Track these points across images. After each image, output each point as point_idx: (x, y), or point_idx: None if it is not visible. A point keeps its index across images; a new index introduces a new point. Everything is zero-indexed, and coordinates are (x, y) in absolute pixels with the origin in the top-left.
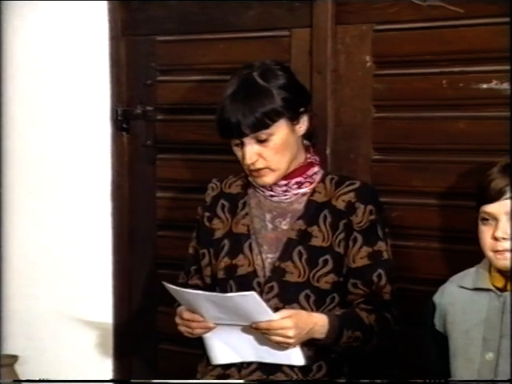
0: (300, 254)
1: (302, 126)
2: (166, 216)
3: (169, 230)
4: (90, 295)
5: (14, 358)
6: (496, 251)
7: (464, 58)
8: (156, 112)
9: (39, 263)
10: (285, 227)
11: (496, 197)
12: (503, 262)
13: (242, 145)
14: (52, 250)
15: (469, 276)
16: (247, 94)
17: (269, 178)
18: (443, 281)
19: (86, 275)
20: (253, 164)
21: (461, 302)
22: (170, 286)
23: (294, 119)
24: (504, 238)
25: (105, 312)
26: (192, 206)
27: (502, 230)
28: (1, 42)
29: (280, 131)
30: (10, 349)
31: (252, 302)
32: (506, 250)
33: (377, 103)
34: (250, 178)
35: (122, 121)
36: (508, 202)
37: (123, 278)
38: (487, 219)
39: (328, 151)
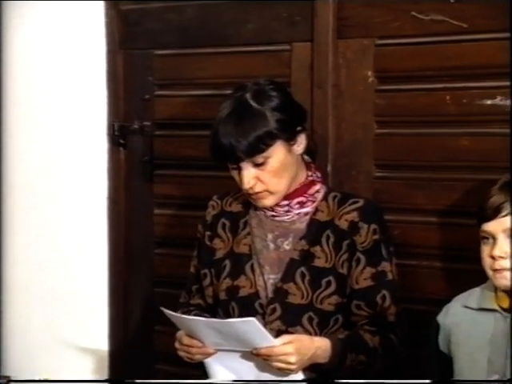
0: (303, 275)
1: (300, 144)
2: (163, 233)
3: (166, 247)
4: (85, 314)
5: (6, 377)
6: (495, 270)
7: (468, 73)
8: (154, 127)
9: (33, 282)
10: (287, 247)
11: (493, 215)
12: (502, 281)
13: (238, 169)
14: (46, 268)
15: (474, 296)
16: (240, 118)
17: (268, 201)
18: (447, 300)
19: (81, 293)
20: (251, 188)
21: (465, 322)
22: (169, 312)
23: (290, 139)
24: (501, 257)
25: (100, 331)
26: (190, 224)
27: (500, 248)
28: (0, 44)
29: (277, 153)
30: (1, 369)
31: (253, 328)
32: (504, 269)
33: (378, 119)
34: (251, 200)
35: (119, 136)
36: (505, 219)
37: (119, 297)
38: (487, 238)
39: (329, 168)
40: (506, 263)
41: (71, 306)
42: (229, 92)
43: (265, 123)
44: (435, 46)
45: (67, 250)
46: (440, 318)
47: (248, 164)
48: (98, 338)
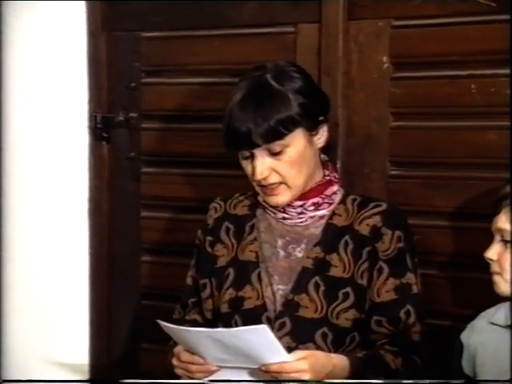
0: (317, 286)
1: (321, 137)
2: (152, 239)
3: (155, 255)
4: (63, 330)
5: None
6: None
7: (496, 58)
8: (141, 119)
9: (9, 293)
10: (299, 255)
11: (491, 212)
12: (495, 287)
13: (251, 158)
14: (21, 277)
15: (501, 311)
16: (259, 99)
17: (283, 197)
18: (471, 316)
19: (59, 305)
20: (264, 179)
21: (492, 340)
22: (165, 324)
23: (312, 129)
24: (490, 259)
25: (80, 350)
26: (183, 228)
27: (491, 249)
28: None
29: (296, 142)
30: None
31: (263, 338)
32: (494, 273)
33: (394, 110)
34: (261, 198)
35: (102, 129)
36: (498, 218)
37: (102, 311)
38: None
39: (338, 165)
40: (495, 267)
41: (47, 321)
42: (244, 73)
43: (287, 106)
44: (460, 28)
45: (42, 259)
46: (464, 338)
47: (263, 152)
48: (78, 357)
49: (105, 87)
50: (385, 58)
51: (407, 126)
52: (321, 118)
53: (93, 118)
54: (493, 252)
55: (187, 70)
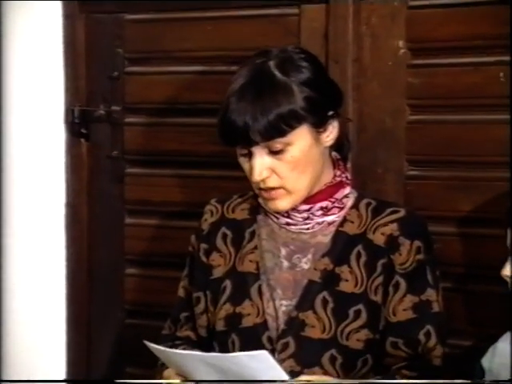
0: (325, 302)
1: (330, 134)
2: (137, 249)
3: (141, 267)
4: (37, 352)
5: None
6: None
7: None
8: (124, 113)
9: None
10: (305, 266)
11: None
12: None
13: (249, 155)
14: None
15: None
16: (259, 90)
17: (283, 203)
18: (494, 336)
19: (33, 324)
20: (263, 181)
21: None
22: (153, 346)
23: (319, 125)
24: (507, 276)
25: (57, 374)
26: (172, 237)
27: (506, 266)
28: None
29: (300, 140)
30: None
31: (264, 364)
32: None
33: (412, 102)
34: (261, 200)
35: (80, 124)
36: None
37: (80, 330)
38: None
39: (348, 165)
40: None
41: (20, 341)
42: (242, 60)
43: (290, 99)
44: (486, 8)
45: (12, 271)
46: (485, 362)
47: (263, 150)
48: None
49: (83, 77)
50: (401, 43)
51: (426, 119)
52: (330, 113)
53: (70, 111)
54: (509, 268)
55: (177, 58)
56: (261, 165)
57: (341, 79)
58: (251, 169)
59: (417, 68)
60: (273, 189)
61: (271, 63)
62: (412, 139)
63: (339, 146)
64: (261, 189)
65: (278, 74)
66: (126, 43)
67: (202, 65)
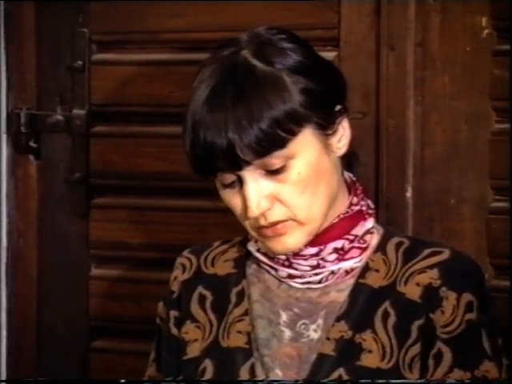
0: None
1: (342, 138)
2: (105, 312)
3: (111, 337)
4: None
5: None
6: None
7: None
8: (91, 119)
9: None
10: (314, 335)
11: None
12: None
13: (239, 184)
14: None
15: None
16: (239, 91)
17: (294, 239)
18: None
19: None
20: (263, 216)
21: None
22: None
23: (326, 126)
24: None
25: None
26: (153, 295)
27: None
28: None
29: (305, 150)
30: None
31: None
32: None
33: (499, 105)
34: (254, 246)
35: (28, 135)
36: None
37: None
38: None
39: (408, 192)
40: None
41: None
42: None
43: (283, 96)
44: None
45: None
46: None
47: (256, 172)
48: None
49: (32, 68)
50: (484, 21)
51: None
52: (337, 108)
53: (14, 116)
54: None
55: (162, 41)
56: (257, 192)
57: (397, 72)
58: (244, 201)
59: (505, 56)
60: (278, 222)
61: (245, 52)
62: (498, 157)
63: (350, 160)
64: (261, 227)
65: (258, 63)
66: (93, 21)
67: (197, 51)
